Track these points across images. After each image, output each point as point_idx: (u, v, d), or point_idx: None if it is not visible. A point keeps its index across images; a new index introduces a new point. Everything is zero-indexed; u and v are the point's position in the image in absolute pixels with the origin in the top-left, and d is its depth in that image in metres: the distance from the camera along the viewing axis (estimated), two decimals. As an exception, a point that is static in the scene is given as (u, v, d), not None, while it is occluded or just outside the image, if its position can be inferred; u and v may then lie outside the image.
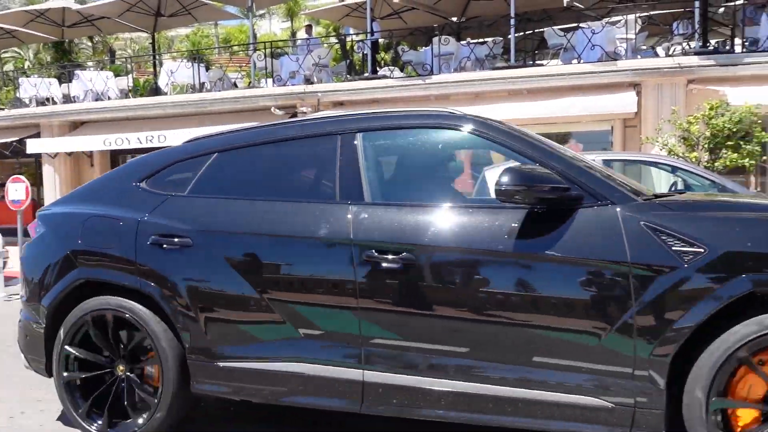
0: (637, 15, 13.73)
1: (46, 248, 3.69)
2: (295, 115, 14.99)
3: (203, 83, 16.99)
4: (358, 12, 18.39)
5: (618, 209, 2.79)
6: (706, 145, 10.15)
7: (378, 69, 15.95)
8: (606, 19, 14.49)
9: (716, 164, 9.85)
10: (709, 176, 7.40)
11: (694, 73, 12.38)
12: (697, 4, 13.03)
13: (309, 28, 18.46)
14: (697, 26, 13.11)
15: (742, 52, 12.73)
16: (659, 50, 14.62)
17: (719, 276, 2.58)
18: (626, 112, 12.62)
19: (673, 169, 8.07)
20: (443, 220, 3.04)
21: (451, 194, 3.58)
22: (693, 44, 13.11)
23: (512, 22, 14.09)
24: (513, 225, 2.87)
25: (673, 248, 2.65)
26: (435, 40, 14.37)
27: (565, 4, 14.64)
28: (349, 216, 3.11)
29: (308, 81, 15.41)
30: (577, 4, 16.28)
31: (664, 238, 2.68)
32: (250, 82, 18.09)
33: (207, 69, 18.41)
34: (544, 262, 2.82)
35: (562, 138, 13.65)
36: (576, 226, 2.79)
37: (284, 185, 3.46)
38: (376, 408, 3.07)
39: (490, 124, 3.19)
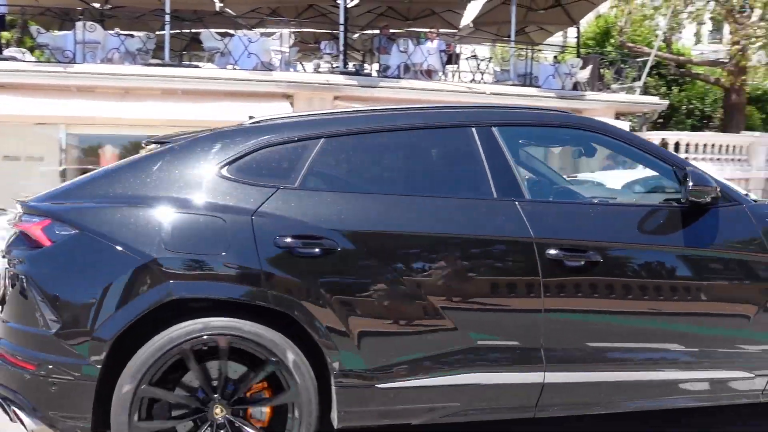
0: (291, 30, 14.39)
1: (93, 258, 2.69)
2: None
3: None
4: (-28, -21, 15.54)
5: (745, 208, 3.23)
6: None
7: (2, 49, 13.72)
8: (260, 30, 14.85)
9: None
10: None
11: (340, 91, 13.49)
12: (341, 28, 14.25)
13: None
14: (341, 48, 14.33)
15: (378, 76, 14.33)
16: (309, 66, 15.58)
17: None
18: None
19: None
20: (617, 217, 3.18)
21: (606, 192, 3.74)
22: (338, 64, 14.29)
23: (167, 18, 13.51)
24: (676, 222, 3.12)
25: None
26: (79, 25, 12.94)
27: (217, 9, 14.60)
28: (522, 213, 2.96)
29: None
30: (229, 11, 16.41)
31: None
32: None
33: None
34: (710, 254, 3.13)
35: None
36: (724, 223, 3.16)
37: (420, 178, 3.17)
38: (550, 410, 3.01)
39: (625, 131, 3.43)
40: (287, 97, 13.33)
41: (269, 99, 13.08)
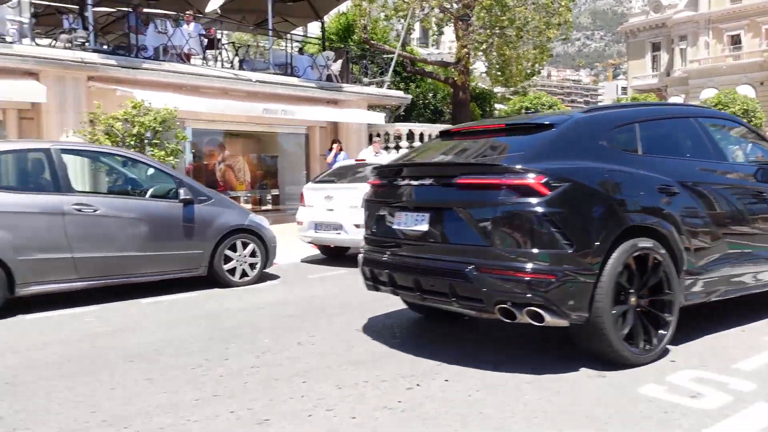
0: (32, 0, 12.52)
1: (587, 200, 4.03)
2: None
3: None
4: None
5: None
6: (132, 142, 10.16)
7: None
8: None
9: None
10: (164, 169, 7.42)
11: (96, 71, 12.19)
12: (90, 2, 12.87)
13: None
14: (90, 24, 12.94)
15: (135, 56, 13.22)
16: (54, 41, 13.72)
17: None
18: (34, 101, 11.50)
19: (124, 163, 7.73)
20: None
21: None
22: (87, 41, 12.83)
23: None
24: None
25: None
26: None
27: None
28: (738, 170, 5.20)
29: None
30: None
31: None
32: None
33: None
34: None
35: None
36: None
37: (689, 148, 4.99)
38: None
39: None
40: (31, 74, 11.66)
41: (9, 76, 11.30)
